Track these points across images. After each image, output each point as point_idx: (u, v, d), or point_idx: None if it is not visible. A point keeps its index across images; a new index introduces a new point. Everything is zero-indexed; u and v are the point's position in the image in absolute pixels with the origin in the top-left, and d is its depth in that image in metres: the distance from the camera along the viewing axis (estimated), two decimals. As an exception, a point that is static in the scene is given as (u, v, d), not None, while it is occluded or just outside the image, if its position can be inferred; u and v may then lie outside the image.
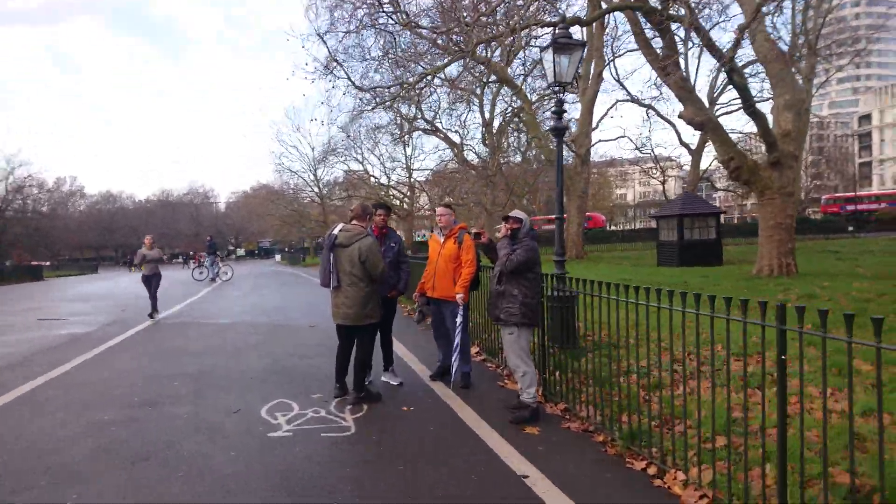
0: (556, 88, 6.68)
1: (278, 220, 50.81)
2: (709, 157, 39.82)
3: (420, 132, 30.94)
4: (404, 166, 35.11)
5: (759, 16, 14.45)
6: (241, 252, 79.62)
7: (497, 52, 25.59)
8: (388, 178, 35.82)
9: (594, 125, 25.76)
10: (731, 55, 12.35)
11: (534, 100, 26.06)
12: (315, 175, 42.95)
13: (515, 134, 32.97)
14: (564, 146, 26.47)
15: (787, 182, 14.71)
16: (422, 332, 8.72)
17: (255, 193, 55.91)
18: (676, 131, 50.42)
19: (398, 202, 35.88)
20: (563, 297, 6.35)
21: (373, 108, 21.96)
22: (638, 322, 4.22)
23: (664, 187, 39.48)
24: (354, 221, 5.20)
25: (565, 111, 6.92)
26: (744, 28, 11.86)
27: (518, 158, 33.21)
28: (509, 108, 30.43)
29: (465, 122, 31.49)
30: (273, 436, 4.41)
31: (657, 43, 14.98)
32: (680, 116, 15.43)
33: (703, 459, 3.51)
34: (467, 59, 20.57)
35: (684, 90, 15.00)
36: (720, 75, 31.95)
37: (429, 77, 17.84)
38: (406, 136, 31.34)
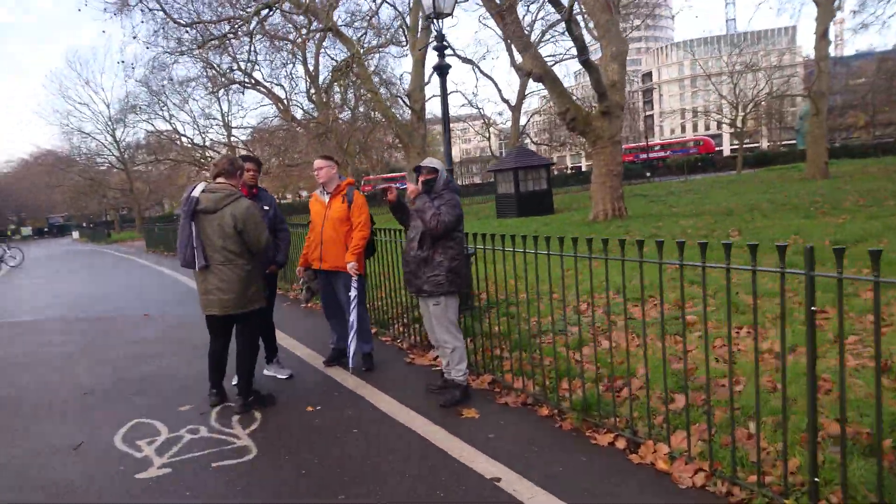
0: (434, 16, 5.93)
1: (71, 190, 43.43)
2: (527, 115, 42.00)
3: (238, 85, 27.95)
4: (221, 124, 31.70)
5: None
6: (26, 231, 66.88)
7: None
8: (204, 137, 32.15)
9: (427, 80, 25.25)
10: (570, 4, 12.48)
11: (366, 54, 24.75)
12: (114, 137, 37.08)
13: (342, 89, 31.43)
14: (399, 101, 25.77)
15: (616, 131, 15.65)
16: (306, 311, 7.64)
17: (39, 161, 46.86)
18: (497, 88, 52.39)
19: (218, 165, 32.45)
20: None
21: (184, 53, 18.99)
22: (527, 273, 3.97)
23: (490, 143, 40.81)
24: (221, 179, 4.03)
25: (447, 45, 6.22)
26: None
27: (348, 115, 31.78)
28: (334, 61, 28.77)
29: (292, 74, 29.07)
30: (142, 477, 3.24)
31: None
32: (518, 68, 15.63)
33: (675, 425, 3.22)
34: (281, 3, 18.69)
35: (522, 41, 15.07)
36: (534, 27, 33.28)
37: (243, 23, 15.66)
38: (222, 90, 28.14)
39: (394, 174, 48.56)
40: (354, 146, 32.33)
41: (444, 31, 6.05)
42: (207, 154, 31.91)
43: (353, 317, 4.77)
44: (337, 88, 31.28)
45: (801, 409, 3.16)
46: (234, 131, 32.01)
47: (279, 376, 4.92)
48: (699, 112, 61.07)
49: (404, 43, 26.67)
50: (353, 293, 4.79)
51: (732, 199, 19.03)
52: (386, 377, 4.75)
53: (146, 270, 15.94)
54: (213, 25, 18.69)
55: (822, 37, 25.15)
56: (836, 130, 48.50)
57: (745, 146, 44.47)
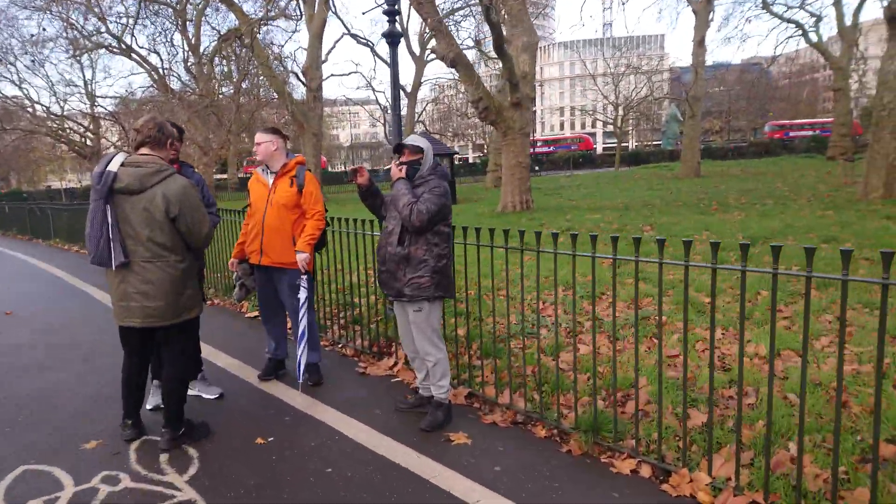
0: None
1: None
2: (422, 103, 41.57)
3: (105, 50, 24.77)
4: (83, 92, 27.98)
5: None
6: None
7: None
8: (62, 106, 28.24)
9: (324, 57, 23.90)
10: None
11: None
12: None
13: (226, 62, 29.01)
14: (294, 77, 24.15)
15: (526, 123, 15.66)
16: (231, 313, 6.56)
17: None
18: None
19: (79, 137, 28.78)
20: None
21: (40, 9, 16.30)
22: (466, 268, 3.60)
23: (385, 130, 39.89)
24: (145, 150, 3.11)
25: (398, 11, 5.55)
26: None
27: (230, 90, 29.40)
28: (216, 31, 26.42)
29: (171, 41, 26.25)
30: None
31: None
32: (432, 51, 15.03)
33: (700, 446, 2.91)
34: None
35: (438, 24, 14.52)
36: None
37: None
38: (85, 55, 24.79)
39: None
40: (239, 125, 30.04)
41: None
42: (66, 125, 28.07)
43: (303, 323, 4.02)
44: (218, 61, 28.86)
45: (830, 425, 2.97)
46: (99, 101, 28.36)
47: (206, 396, 4.05)
48: (584, 110, 63.99)
49: (297, 16, 25.06)
50: (302, 294, 4.04)
51: (622, 194, 19.89)
52: (340, 394, 4.06)
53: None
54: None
55: (699, 44, 27.12)
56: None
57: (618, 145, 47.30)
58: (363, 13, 55.98)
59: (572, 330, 4.08)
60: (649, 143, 69.40)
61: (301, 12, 23.68)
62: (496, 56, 14.76)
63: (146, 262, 3.00)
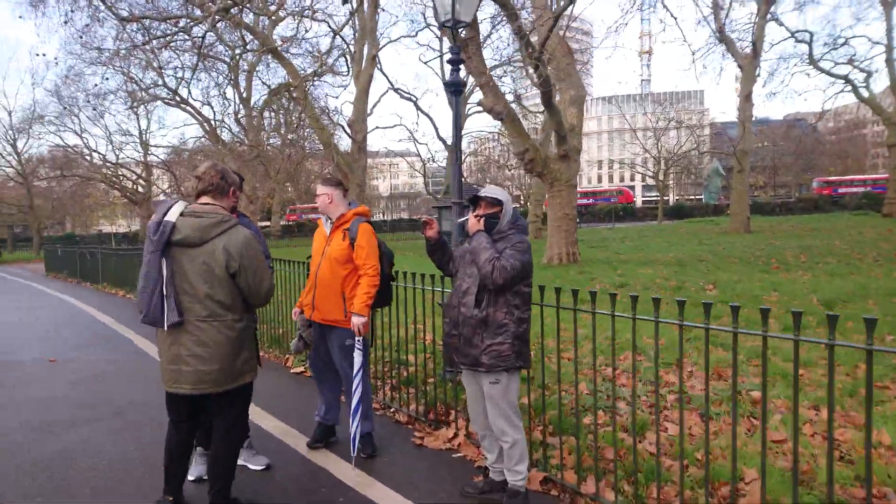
0: (451, 26, 5.08)
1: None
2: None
3: (161, 102, 25.87)
4: (138, 141, 29.18)
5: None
6: None
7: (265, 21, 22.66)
8: (117, 154, 29.44)
9: (370, 111, 24.41)
10: (543, 42, 12.11)
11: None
12: (14, 147, 33.12)
13: (274, 115, 29.99)
14: (341, 130, 24.67)
15: (573, 174, 15.41)
16: (281, 371, 6.26)
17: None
18: (434, 126, 52.36)
19: (131, 184, 29.82)
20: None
21: (105, 65, 17.10)
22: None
23: (428, 182, 40.41)
24: (206, 199, 2.89)
25: (462, 60, 5.38)
26: (558, 16, 11.66)
27: (277, 141, 30.26)
28: (266, 85, 27.39)
29: (224, 94, 27.32)
30: None
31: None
32: (479, 104, 15.08)
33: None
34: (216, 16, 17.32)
35: (484, 76, 14.59)
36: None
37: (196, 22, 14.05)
38: (141, 105, 25.93)
39: (313, 205, 46.96)
40: (283, 174, 30.75)
41: (452, 47, 5.20)
42: (120, 172, 29.19)
43: (358, 391, 3.67)
44: (268, 114, 29.86)
45: None
46: (152, 149, 29.49)
47: (252, 467, 3.69)
48: (623, 163, 63.72)
49: (345, 73, 25.87)
50: (357, 359, 3.70)
51: (671, 248, 19.28)
52: (397, 470, 3.65)
53: (48, 300, 13.68)
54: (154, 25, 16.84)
55: (745, 99, 26.75)
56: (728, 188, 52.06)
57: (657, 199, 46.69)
58: (425, 62, 57.52)
59: (655, 404, 3.62)
60: (690, 197, 68.40)
61: (349, 68, 24.44)
62: (538, 110, 14.64)
63: (202, 322, 2.73)
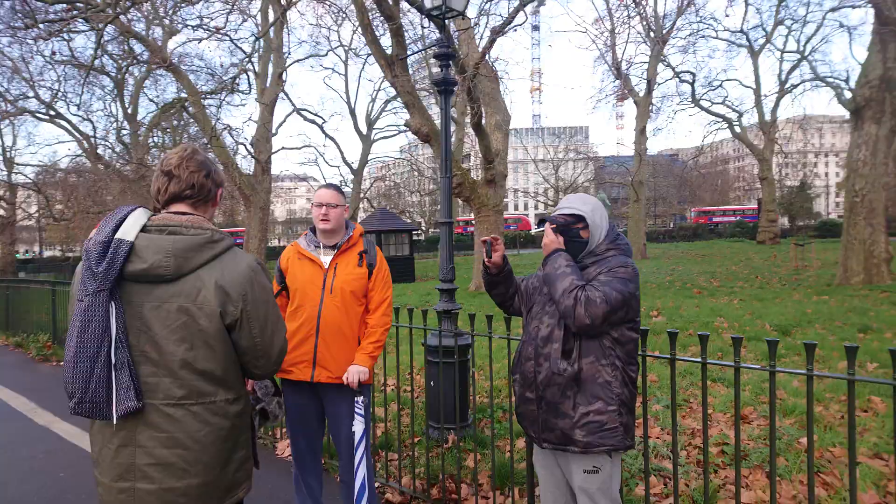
0: (440, 14, 4.32)
1: None
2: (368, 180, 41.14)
3: (29, 116, 22.74)
4: (1, 158, 25.42)
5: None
6: None
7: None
8: (-29, 173, 25.47)
9: (274, 131, 22.92)
10: (477, 64, 11.67)
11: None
12: None
13: (163, 132, 27.47)
14: (243, 149, 22.98)
15: (500, 200, 15.06)
16: None
17: None
18: (340, 150, 51.35)
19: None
20: (459, 348, 4.07)
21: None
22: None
23: (371, 204, 39.03)
24: (181, 207, 1.82)
25: (452, 54, 4.63)
26: (496, 37, 11.28)
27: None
28: (159, 101, 25.03)
29: (110, 108, 24.51)
30: None
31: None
32: (406, 125, 14.34)
33: None
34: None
35: (413, 97, 13.94)
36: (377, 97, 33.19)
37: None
38: (5, 119, 22.64)
39: (234, 229, 43.29)
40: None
41: (443, 37, 4.42)
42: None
43: (361, 472, 2.71)
44: (154, 132, 27.28)
45: None
46: (18, 168, 25.79)
47: None
48: (527, 192, 65.63)
49: (247, 91, 24.23)
50: (358, 426, 2.75)
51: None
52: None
53: None
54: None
55: (640, 132, 28.29)
56: (617, 217, 55.33)
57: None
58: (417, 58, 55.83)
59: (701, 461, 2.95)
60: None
61: (250, 86, 22.86)
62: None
63: (174, 407, 1.68)
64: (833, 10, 24.61)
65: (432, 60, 23.33)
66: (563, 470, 2.27)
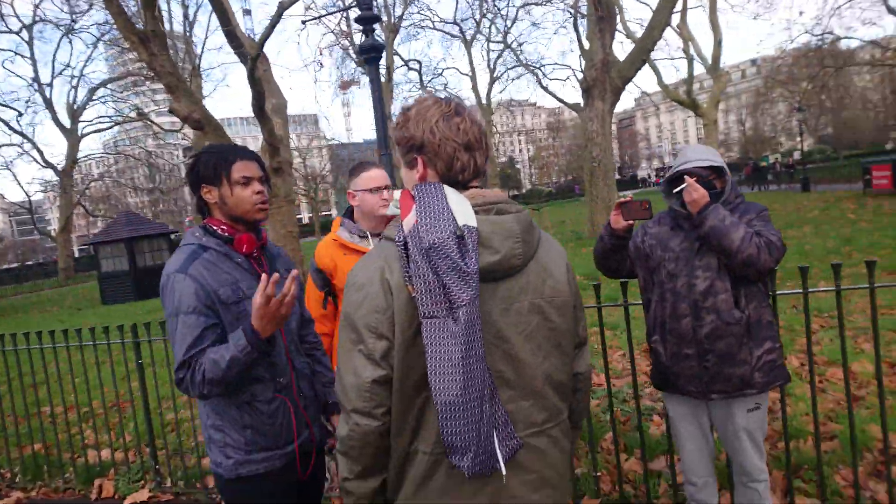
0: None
1: None
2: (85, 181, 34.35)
3: None
4: None
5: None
6: None
7: None
8: None
9: None
10: (262, 42, 10.62)
11: None
12: None
13: None
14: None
15: (290, 189, 14.15)
16: None
17: None
18: (38, 150, 41.58)
19: None
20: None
21: None
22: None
23: (87, 210, 31.91)
24: (475, 182, 1.31)
25: (378, 17, 4.14)
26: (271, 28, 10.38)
27: None
28: None
29: None
30: None
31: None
32: (170, 111, 12.36)
33: None
34: None
35: (175, 78, 12.11)
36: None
37: None
38: None
39: None
40: None
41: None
42: None
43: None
44: None
45: None
46: None
47: None
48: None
49: None
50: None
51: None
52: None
53: None
54: None
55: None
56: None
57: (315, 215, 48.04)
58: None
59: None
60: (321, 213, 72.03)
61: None
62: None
63: (538, 436, 1.25)
64: (526, 4, 28.30)
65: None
66: (725, 413, 2.31)
